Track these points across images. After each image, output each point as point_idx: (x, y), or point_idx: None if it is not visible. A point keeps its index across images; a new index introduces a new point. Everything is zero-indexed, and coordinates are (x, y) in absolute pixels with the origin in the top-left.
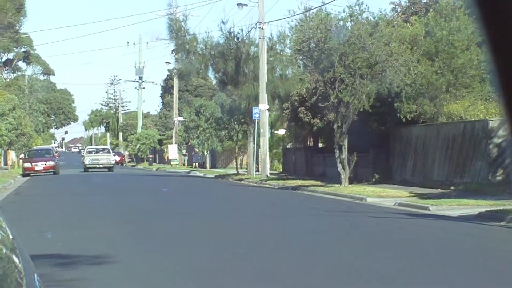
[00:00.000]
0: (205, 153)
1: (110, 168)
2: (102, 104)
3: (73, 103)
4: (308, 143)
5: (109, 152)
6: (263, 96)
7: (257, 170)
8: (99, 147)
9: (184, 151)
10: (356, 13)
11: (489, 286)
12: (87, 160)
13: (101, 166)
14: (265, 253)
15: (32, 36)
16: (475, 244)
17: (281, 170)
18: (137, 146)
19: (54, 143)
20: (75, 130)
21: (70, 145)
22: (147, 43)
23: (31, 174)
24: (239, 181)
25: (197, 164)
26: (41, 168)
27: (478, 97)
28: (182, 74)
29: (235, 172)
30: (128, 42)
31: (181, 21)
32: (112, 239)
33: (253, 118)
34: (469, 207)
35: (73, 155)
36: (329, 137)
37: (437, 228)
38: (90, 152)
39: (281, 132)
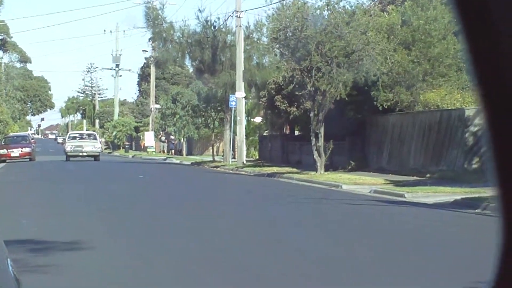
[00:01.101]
0: (182, 140)
1: (96, 157)
2: (78, 92)
3: (50, 90)
4: (285, 131)
5: (95, 139)
6: (240, 84)
7: (233, 158)
8: (84, 132)
9: (163, 138)
10: (333, 2)
11: (461, 273)
12: (69, 147)
13: (84, 154)
14: (241, 241)
15: (8, 23)
16: (449, 231)
17: (257, 157)
18: (114, 133)
19: (31, 130)
20: (52, 117)
21: (47, 132)
22: (124, 31)
23: (7, 161)
24: (215, 168)
25: (172, 151)
26: (17, 154)
27: (454, 86)
28: (159, 62)
29: (211, 159)
30: (105, 30)
31: (158, 9)
32: (88, 225)
33: (229, 106)
34: (444, 194)
35: (50, 142)
36: (305, 125)
37: (411, 215)
38: (73, 138)
39: (258, 120)
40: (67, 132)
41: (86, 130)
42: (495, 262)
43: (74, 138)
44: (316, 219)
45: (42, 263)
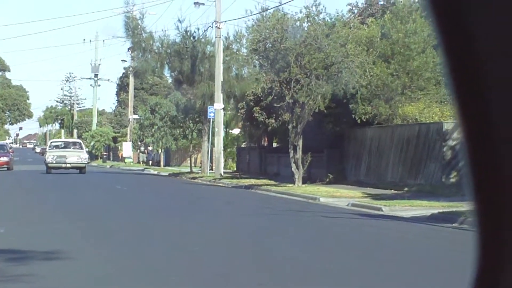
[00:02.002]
0: (159, 151)
1: (81, 169)
2: (57, 101)
3: (28, 99)
4: (263, 142)
5: (81, 148)
6: (219, 95)
7: (211, 169)
8: (68, 140)
9: (142, 149)
10: (313, 14)
11: (438, 286)
12: (50, 157)
13: (68, 165)
14: (219, 252)
15: None
16: (425, 244)
17: (235, 169)
18: (92, 143)
19: (9, 139)
20: (30, 127)
21: (25, 141)
22: (103, 40)
23: None
24: (192, 180)
25: (150, 162)
26: None
27: (433, 100)
28: (138, 72)
29: (189, 170)
30: (84, 40)
31: (137, 19)
32: (66, 235)
33: (208, 117)
34: (422, 208)
35: (28, 151)
36: (283, 137)
37: (389, 229)
38: (55, 147)
39: (236, 131)
40: (46, 141)
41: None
42: (472, 277)
43: (57, 147)
44: (293, 231)
45: (20, 272)
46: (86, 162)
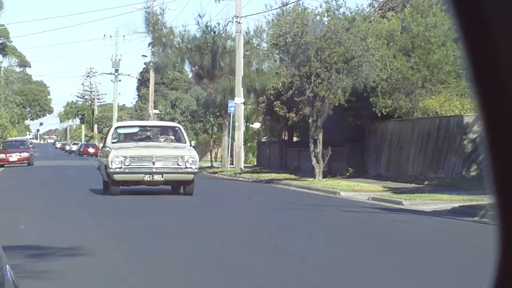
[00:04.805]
0: None
1: (186, 185)
2: (77, 96)
3: (49, 95)
4: (283, 137)
5: (182, 140)
6: (239, 90)
7: (232, 163)
8: (149, 123)
9: None
10: (333, 8)
11: (458, 280)
12: (117, 160)
13: (159, 179)
14: (240, 247)
15: (8, 28)
16: (446, 239)
17: (255, 163)
18: None
19: (29, 134)
20: (50, 122)
21: (45, 136)
22: (123, 36)
23: (5, 165)
24: (213, 174)
25: None
26: (15, 159)
27: (453, 93)
28: (158, 67)
29: (210, 165)
30: (104, 35)
31: (158, 14)
32: (86, 231)
33: (228, 111)
34: (442, 202)
35: (48, 146)
36: (304, 131)
37: (409, 223)
38: (126, 137)
39: (256, 125)
40: (66, 136)
41: (84, 135)
42: (492, 271)
43: (129, 138)
44: (314, 226)
45: (41, 269)
46: (197, 169)
